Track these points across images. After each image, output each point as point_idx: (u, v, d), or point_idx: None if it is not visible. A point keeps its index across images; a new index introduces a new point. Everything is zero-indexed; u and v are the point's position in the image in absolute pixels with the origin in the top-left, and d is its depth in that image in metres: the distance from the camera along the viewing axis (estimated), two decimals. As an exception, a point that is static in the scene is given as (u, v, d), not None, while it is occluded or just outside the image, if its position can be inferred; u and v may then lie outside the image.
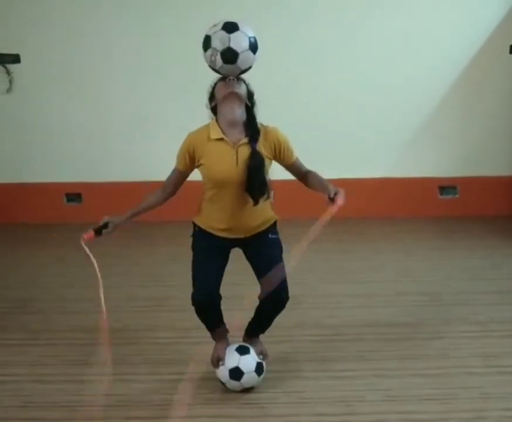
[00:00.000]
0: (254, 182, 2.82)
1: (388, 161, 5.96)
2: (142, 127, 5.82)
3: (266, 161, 2.88)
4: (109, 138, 5.88)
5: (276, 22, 5.59)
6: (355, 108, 5.78)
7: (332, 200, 2.83)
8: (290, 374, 3.23)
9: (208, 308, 2.97)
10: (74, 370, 3.30)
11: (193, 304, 2.95)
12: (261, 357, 3.10)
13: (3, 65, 5.69)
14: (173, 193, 3.02)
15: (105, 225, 2.94)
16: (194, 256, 3.01)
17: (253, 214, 2.94)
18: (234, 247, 3.04)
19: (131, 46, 5.69)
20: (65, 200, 6.03)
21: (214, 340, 3.15)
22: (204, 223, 2.99)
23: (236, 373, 3.01)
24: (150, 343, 3.59)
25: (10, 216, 5.94)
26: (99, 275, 2.84)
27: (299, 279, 4.41)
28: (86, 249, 2.86)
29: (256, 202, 2.87)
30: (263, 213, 2.98)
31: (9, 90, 5.75)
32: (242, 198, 2.87)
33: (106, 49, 5.70)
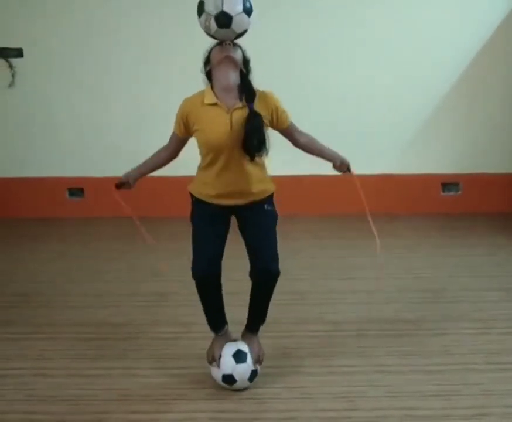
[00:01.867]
0: (252, 140, 2.79)
1: (390, 158, 5.96)
2: (144, 122, 5.81)
3: (265, 121, 2.86)
4: (112, 133, 5.88)
5: (280, 19, 5.58)
6: (357, 105, 5.77)
7: (344, 171, 3.00)
8: (291, 370, 3.23)
9: (208, 281, 2.95)
10: (76, 364, 3.31)
11: (193, 276, 2.94)
12: (257, 365, 3.07)
13: (6, 60, 5.69)
14: (174, 156, 3.05)
15: (122, 185, 3.11)
16: (192, 227, 3.00)
17: (250, 180, 2.90)
18: (231, 214, 3.01)
19: (134, 41, 5.69)
20: (67, 194, 6.04)
21: (213, 331, 3.13)
22: (200, 191, 2.97)
23: (229, 379, 3.01)
24: (152, 338, 3.59)
25: (12, 210, 5.95)
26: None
27: (301, 275, 4.44)
28: (118, 198, 3.06)
29: (252, 158, 2.84)
30: (260, 181, 2.95)
31: (11, 84, 5.75)
32: (237, 162, 2.85)
33: (108, 44, 5.70)
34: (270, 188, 3.02)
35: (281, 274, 2.99)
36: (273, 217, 3.03)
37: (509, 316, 3.82)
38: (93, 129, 5.88)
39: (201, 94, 2.89)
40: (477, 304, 4.00)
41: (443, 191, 6.03)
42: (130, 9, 5.64)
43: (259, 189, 2.95)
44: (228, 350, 3.04)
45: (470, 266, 4.66)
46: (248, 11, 2.73)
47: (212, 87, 2.86)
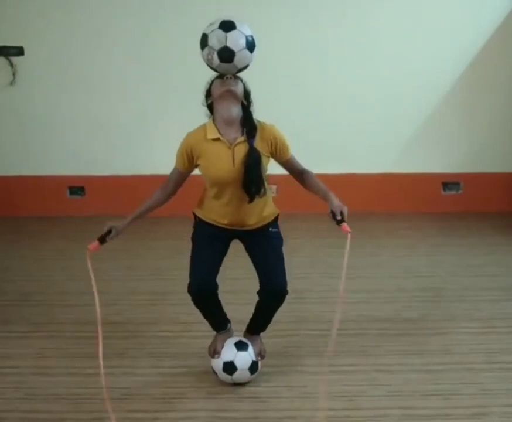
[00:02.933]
0: (250, 179, 2.81)
1: (391, 157, 5.95)
2: (144, 122, 5.82)
3: (264, 158, 2.86)
4: (112, 131, 5.88)
5: (281, 18, 5.58)
6: (358, 104, 5.77)
7: (338, 222, 2.77)
8: (292, 369, 3.23)
9: (204, 296, 2.97)
10: (76, 362, 3.31)
11: (189, 292, 2.95)
12: (259, 357, 3.10)
13: (6, 58, 5.69)
14: (173, 192, 3.01)
15: (109, 232, 2.99)
16: (193, 246, 3.02)
17: (255, 210, 2.93)
18: (234, 237, 3.03)
19: (135, 41, 5.68)
20: (68, 193, 6.03)
21: (214, 330, 3.15)
22: (205, 216, 3.00)
23: (230, 367, 3.02)
24: (152, 337, 3.60)
25: (13, 209, 5.95)
26: (95, 292, 2.80)
27: (301, 274, 4.43)
28: (89, 264, 2.87)
29: (251, 199, 2.86)
30: (264, 208, 2.98)
31: (12, 83, 5.75)
32: (242, 196, 2.87)
33: (109, 43, 5.69)
34: (274, 212, 3.04)
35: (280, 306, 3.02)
36: (278, 239, 3.05)
37: (509, 316, 3.82)
38: (94, 128, 5.87)
39: (203, 128, 2.89)
40: (477, 303, 4.00)
41: (444, 190, 6.03)
42: (132, 6, 5.63)
43: (263, 216, 2.98)
44: (230, 341, 3.08)
45: (470, 266, 4.66)
46: (250, 47, 2.72)
47: (213, 120, 2.87)
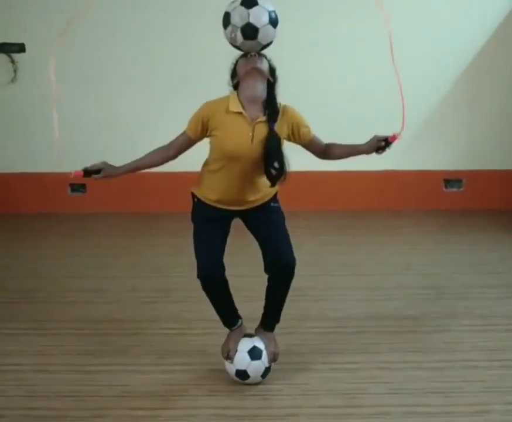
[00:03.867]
0: (272, 163, 2.81)
1: (393, 154, 5.86)
2: (146, 119, 5.80)
3: (282, 141, 2.86)
4: (114, 128, 5.86)
5: (289, 12, 5.54)
6: (360, 100, 5.76)
7: (387, 145, 3.10)
8: (293, 366, 3.23)
9: (213, 279, 2.94)
10: (78, 360, 3.31)
11: (198, 277, 2.92)
12: (272, 363, 3.07)
13: (8, 55, 5.67)
14: (174, 157, 2.96)
15: (98, 171, 2.99)
16: (194, 229, 2.99)
17: (255, 189, 2.92)
18: (234, 217, 3.01)
19: (136, 37, 5.67)
20: (69, 190, 6.03)
21: (226, 327, 3.11)
22: (204, 195, 2.96)
23: (242, 375, 3.01)
24: (153, 334, 3.59)
25: (14, 206, 5.95)
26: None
27: (303, 271, 4.41)
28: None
29: (273, 184, 2.86)
30: (264, 187, 2.95)
31: (13, 80, 5.74)
32: (251, 174, 2.86)
33: (111, 40, 5.68)
34: (273, 189, 3.02)
35: (291, 284, 3.03)
36: (280, 213, 3.04)
37: (511, 313, 3.81)
38: (95, 124, 5.86)
39: (226, 99, 2.86)
40: (479, 301, 4.00)
41: (446, 187, 6.02)
42: (133, 7, 5.62)
43: (263, 193, 2.97)
44: (243, 346, 3.02)
45: (472, 263, 4.65)
46: (274, 22, 2.71)
47: (238, 96, 2.84)
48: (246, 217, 3.02)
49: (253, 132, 2.80)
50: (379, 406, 2.90)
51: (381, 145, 2.98)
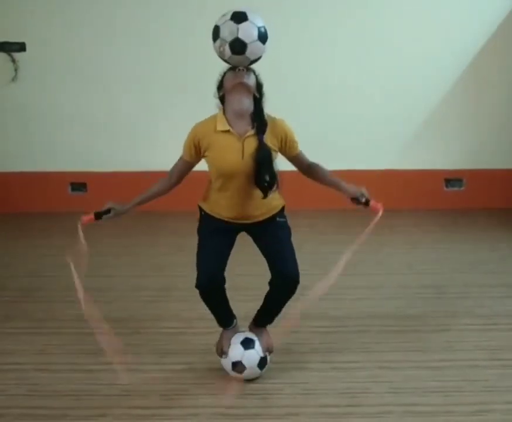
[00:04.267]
0: (263, 175, 2.80)
1: (394, 153, 5.94)
2: (146, 118, 5.81)
3: (273, 153, 2.86)
4: (114, 128, 5.87)
5: (286, 14, 5.56)
6: (361, 100, 5.76)
7: (365, 204, 2.94)
8: (294, 365, 3.23)
9: (212, 290, 2.95)
10: (79, 359, 3.31)
11: (197, 287, 2.93)
12: (266, 353, 3.08)
13: (8, 54, 5.68)
14: (177, 182, 3.00)
15: (107, 211, 2.97)
16: (199, 240, 3.00)
17: (261, 203, 2.92)
18: (240, 230, 3.02)
19: (137, 36, 5.67)
20: (69, 189, 6.03)
21: (220, 327, 3.14)
22: (210, 209, 2.98)
23: (238, 367, 3.02)
24: (154, 333, 3.59)
25: (14, 205, 5.95)
26: (80, 268, 2.83)
27: (303, 270, 4.40)
28: (81, 232, 2.86)
29: (265, 195, 2.85)
30: (270, 201, 2.95)
31: (14, 79, 5.74)
32: (249, 189, 2.86)
33: (111, 38, 5.69)
34: (279, 204, 3.03)
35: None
36: (286, 228, 3.05)
37: (512, 313, 3.82)
38: (96, 124, 5.87)
39: (213, 119, 2.87)
40: (480, 300, 4.00)
41: (447, 186, 6.02)
42: (134, 6, 5.62)
43: (268, 208, 2.97)
44: (236, 339, 3.07)
45: (473, 262, 4.65)
46: (262, 38, 2.71)
47: (224, 112, 2.85)
48: (252, 231, 3.04)
49: (243, 147, 2.81)
50: (380, 405, 2.90)
51: (361, 201, 2.94)
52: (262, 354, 3.05)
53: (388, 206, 5.80)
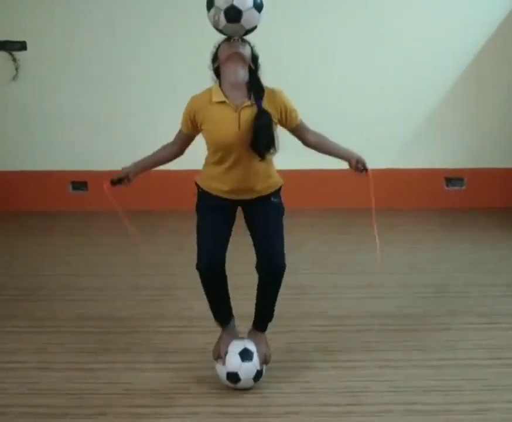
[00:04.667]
0: (262, 139, 2.76)
1: (394, 152, 5.94)
2: (147, 117, 5.81)
3: (273, 123, 2.82)
4: (115, 127, 5.88)
5: (286, 14, 5.56)
6: (361, 100, 5.76)
7: (361, 170, 2.92)
8: (295, 364, 3.23)
9: (213, 271, 2.92)
10: (79, 358, 3.31)
11: (198, 268, 2.91)
12: (263, 365, 3.04)
13: (9, 53, 5.68)
14: (180, 152, 3.00)
15: (119, 181, 3.05)
16: (198, 219, 2.98)
17: (258, 177, 2.88)
18: (237, 206, 2.99)
19: (137, 36, 5.68)
20: (70, 188, 6.04)
21: (219, 325, 3.11)
22: (207, 185, 2.95)
23: (233, 377, 2.97)
24: (155, 332, 3.59)
25: (15, 204, 5.96)
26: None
27: (304, 269, 4.43)
28: (111, 196, 3.01)
29: (262, 157, 2.81)
30: (268, 176, 2.93)
31: (15, 78, 5.75)
32: (246, 160, 2.82)
33: (112, 38, 5.69)
34: (278, 182, 2.99)
35: (280, 285, 3.00)
36: (279, 209, 3.00)
37: (512, 312, 3.82)
38: (97, 123, 5.87)
39: (209, 92, 2.85)
40: (480, 299, 4.00)
41: (447, 185, 6.02)
42: (134, 6, 5.62)
43: (266, 184, 2.93)
44: (234, 348, 3.01)
45: (473, 261, 4.65)
46: (258, 6, 2.68)
47: (220, 84, 2.83)
48: (247, 209, 2.99)
49: (239, 118, 2.78)
50: (381, 404, 2.90)
51: (361, 168, 2.92)
52: (259, 368, 3.00)
53: (389, 205, 5.89)
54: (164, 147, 3.03)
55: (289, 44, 5.59)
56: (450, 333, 3.57)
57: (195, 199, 3.03)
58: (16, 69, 5.73)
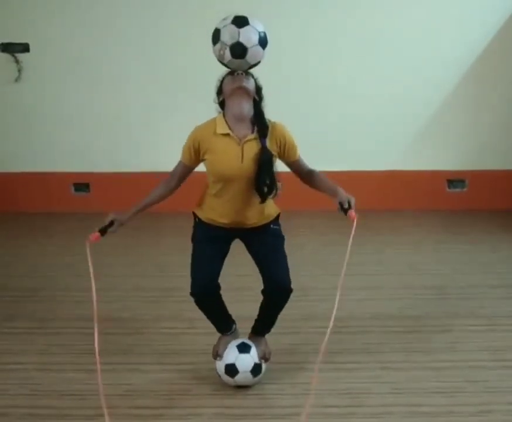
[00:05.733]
0: (263, 179, 2.80)
1: (396, 154, 5.94)
2: (149, 118, 5.81)
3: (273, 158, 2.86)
4: (117, 128, 5.88)
5: (290, 14, 5.57)
6: (363, 102, 5.75)
7: (345, 211, 2.81)
8: (296, 366, 3.23)
9: (207, 298, 2.97)
10: (81, 359, 3.31)
11: (192, 295, 2.95)
12: (262, 360, 3.06)
13: (12, 54, 5.69)
14: (177, 186, 2.99)
15: (111, 224, 2.92)
16: (193, 247, 3.01)
17: (256, 209, 2.92)
18: (235, 237, 3.02)
19: (140, 37, 5.68)
20: (73, 189, 6.04)
21: (219, 332, 3.14)
22: (205, 215, 2.97)
23: (231, 370, 2.99)
24: (156, 333, 3.60)
25: (17, 205, 5.96)
26: (93, 283, 2.82)
27: (306, 271, 4.43)
28: (88, 253, 2.83)
29: (263, 200, 2.85)
30: (265, 207, 2.95)
31: (18, 79, 5.75)
32: (246, 194, 2.86)
33: (114, 40, 5.69)
34: (276, 211, 3.03)
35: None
36: (279, 236, 3.03)
37: (514, 313, 3.82)
38: (99, 124, 5.88)
39: (213, 122, 2.87)
40: (482, 301, 4.00)
41: (449, 187, 6.02)
42: (137, 7, 5.63)
43: (265, 214, 2.96)
44: (233, 343, 3.06)
45: (475, 263, 4.65)
46: (263, 43, 2.73)
47: (224, 115, 2.86)
48: (246, 239, 3.03)
49: (242, 151, 2.81)
50: (382, 406, 2.90)
51: (344, 207, 2.88)
52: (256, 361, 3.01)
53: (391, 207, 5.89)
54: (160, 185, 2.99)
55: (291, 46, 5.59)
56: (451, 334, 3.57)
57: (193, 227, 3.05)
58: (19, 71, 5.73)
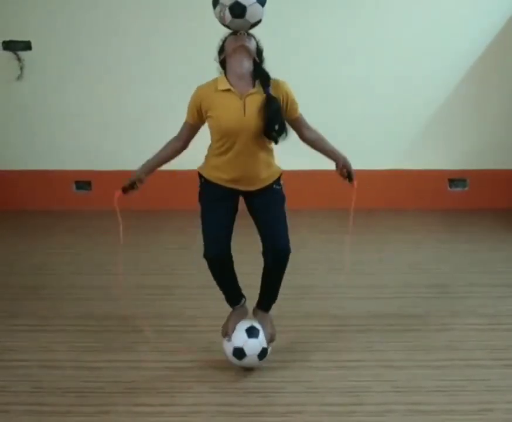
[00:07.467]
0: (274, 125, 2.85)
1: (398, 153, 5.94)
2: (151, 116, 5.82)
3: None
4: (119, 126, 5.89)
5: (293, 12, 5.57)
6: (365, 100, 5.76)
7: (349, 179, 3.07)
8: (297, 364, 3.24)
9: (219, 258, 3.00)
10: (83, 356, 3.32)
11: (205, 256, 2.98)
12: (269, 344, 3.11)
13: (14, 53, 5.70)
14: (185, 146, 3.06)
15: (131, 187, 3.06)
16: (202, 209, 3.05)
17: (260, 166, 2.97)
18: (239, 195, 3.06)
19: (142, 35, 5.69)
20: (74, 187, 6.05)
21: (228, 304, 3.17)
22: (210, 174, 3.01)
23: (239, 353, 3.05)
24: (157, 331, 3.60)
25: (19, 203, 5.97)
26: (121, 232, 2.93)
27: (307, 269, 4.44)
28: (117, 209, 3.00)
29: (276, 142, 2.90)
30: (268, 165, 3.01)
31: (20, 77, 5.77)
32: (249, 148, 2.90)
33: (116, 38, 5.70)
34: (278, 171, 3.07)
35: (286, 269, 3.04)
36: (281, 196, 3.08)
37: (515, 312, 3.82)
38: (101, 122, 5.89)
39: (215, 81, 2.94)
40: (483, 300, 4.00)
41: (450, 187, 6.02)
42: (139, 6, 5.63)
43: (267, 173, 3.01)
44: (241, 325, 3.10)
45: (476, 262, 4.65)
46: (261, 1, 2.78)
47: (225, 75, 2.91)
48: (249, 198, 3.06)
49: (244, 105, 2.86)
50: (383, 404, 2.90)
51: (344, 173, 3.00)
52: (264, 345, 3.08)
53: (392, 206, 5.89)
54: (167, 145, 3.10)
55: (294, 43, 5.59)
56: (452, 333, 3.57)
57: (197, 195, 3.07)
58: (21, 69, 5.74)
